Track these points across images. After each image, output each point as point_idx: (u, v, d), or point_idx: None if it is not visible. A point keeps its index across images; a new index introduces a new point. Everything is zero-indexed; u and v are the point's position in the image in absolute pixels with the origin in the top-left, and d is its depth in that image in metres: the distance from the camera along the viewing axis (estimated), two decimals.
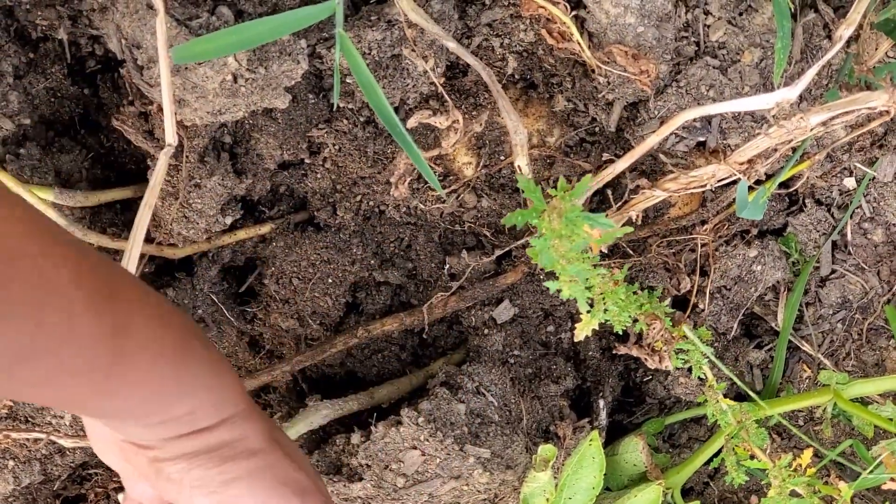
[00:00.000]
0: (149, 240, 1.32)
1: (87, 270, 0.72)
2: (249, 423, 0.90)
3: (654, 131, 1.21)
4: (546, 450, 1.29)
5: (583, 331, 1.19)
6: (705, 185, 1.28)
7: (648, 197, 1.29)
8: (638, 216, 1.32)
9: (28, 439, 1.34)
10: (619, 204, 1.34)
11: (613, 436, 1.51)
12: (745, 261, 1.45)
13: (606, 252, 1.44)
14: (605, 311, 1.17)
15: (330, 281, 1.42)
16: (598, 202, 1.41)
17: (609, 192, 1.36)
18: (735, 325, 1.49)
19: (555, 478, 1.32)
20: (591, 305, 1.15)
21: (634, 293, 1.22)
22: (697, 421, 1.57)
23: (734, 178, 1.26)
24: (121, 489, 1.47)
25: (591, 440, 1.31)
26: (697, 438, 1.57)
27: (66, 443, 1.34)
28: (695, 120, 1.29)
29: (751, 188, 1.29)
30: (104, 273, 0.75)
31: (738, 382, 1.34)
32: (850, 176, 1.45)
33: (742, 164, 1.26)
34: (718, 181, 1.27)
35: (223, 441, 0.88)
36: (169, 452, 0.87)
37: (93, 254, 0.76)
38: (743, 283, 1.47)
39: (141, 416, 0.83)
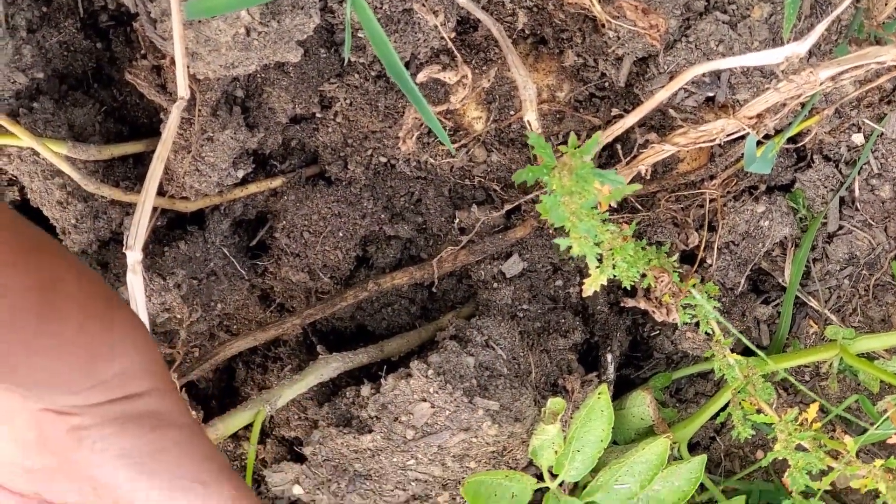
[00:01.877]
0: (161, 193, 1.35)
1: (8, 225, 0.72)
2: (175, 395, 0.87)
3: (663, 86, 1.24)
4: (555, 403, 1.33)
5: (591, 286, 1.22)
6: (714, 140, 1.31)
7: (658, 151, 1.33)
8: (647, 171, 1.35)
9: None
10: (629, 159, 1.37)
11: (621, 390, 1.55)
12: (752, 216, 1.49)
13: (615, 207, 1.47)
14: (614, 266, 1.20)
15: (340, 235, 1.46)
16: (608, 157, 1.45)
17: (618, 146, 1.40)
18: (742, 281, 1.52)
19: (563, 431, 1.35)
20: (600, 261, 1.18)
21: (643, 248, 1.25)
22: (704, 376, 1.61)
23: (743, 132, 1.29)
24: None
25: (599, 393, 1.35)
26: (704, 393, 1.61)
27: None
28: (704, 75, 1.32)
29: (759, 143, 1.32)
30: (27, 230, 0.75)
31: (743, 339, 1.37)
32: (859, 132, 1.48)
33: (751, 118, 1.29)
34: (727, 136, 1.31)
35: (152, 410, 0.85)
36: (96, 418, 0.82)
37: (9, 211, 0.75)
38: (750, 239, 1.51)
39: (71, 381, 0.79)
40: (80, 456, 0.83)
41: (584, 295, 1.23)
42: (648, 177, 1.38)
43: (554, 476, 1.37)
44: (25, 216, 1.37)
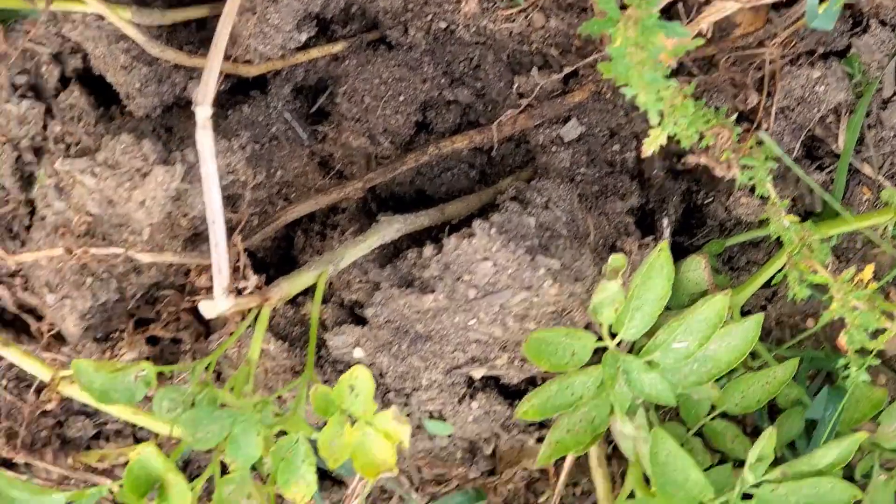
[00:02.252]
0: (224, 57, 1.37)
1: None
2: None
3: None
4: (616, 259, 1.35)
5: (651, 145, 1.24)
6: None
7: (719, 9, 1.33)
8: (708, 29, 1.36)
9: (106, 255, 1.41)
10: (690, 18, 1.38)
11: (674, 258, 1.57)
12: (808, 81, 1.50)
13: (672, 72, 1.48)
14: (675, 124, 1.21)
15: (401, 99, 1.48)
16: (667, 19, 1.46)
17: (679, 6, 1.41)
18: (797, 146, 1.54)
19: (624, 289, 1.37)
20: (661, 118, 1.20)
21: (704, 107, 1.26)
22: (756, 245, 1.63)
23: None
24: (193, 310, 1.54)
25: (660, 250, 1.36)
26: (756, 262, 1.63)
27: (144, 258, 1.41)
28: None
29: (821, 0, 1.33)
30: None
31: (821, 191, 1.39)
32: None
33: None
34: None
35: None
36: None
37: None
38: (805, 104, 1.52)
39: None
40: None
41: (643, 155, 1.25)
42: (708, 35, 1.39)
43: (613, 335, 1.40)
44: (89, 83, 1.40)
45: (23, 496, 1.28)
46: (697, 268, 1.51)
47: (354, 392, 1.24)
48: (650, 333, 1.41)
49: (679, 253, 1.61)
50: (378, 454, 1.26)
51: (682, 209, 1.61)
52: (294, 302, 1.52)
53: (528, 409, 1.41)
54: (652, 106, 1.08)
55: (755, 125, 1.51)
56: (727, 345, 1.42)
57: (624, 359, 1.40)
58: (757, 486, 1.38)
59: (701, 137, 1.29)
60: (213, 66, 1.22)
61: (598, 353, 1.41)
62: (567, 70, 1.47)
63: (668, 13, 1.45)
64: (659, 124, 1.20)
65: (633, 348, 1.44)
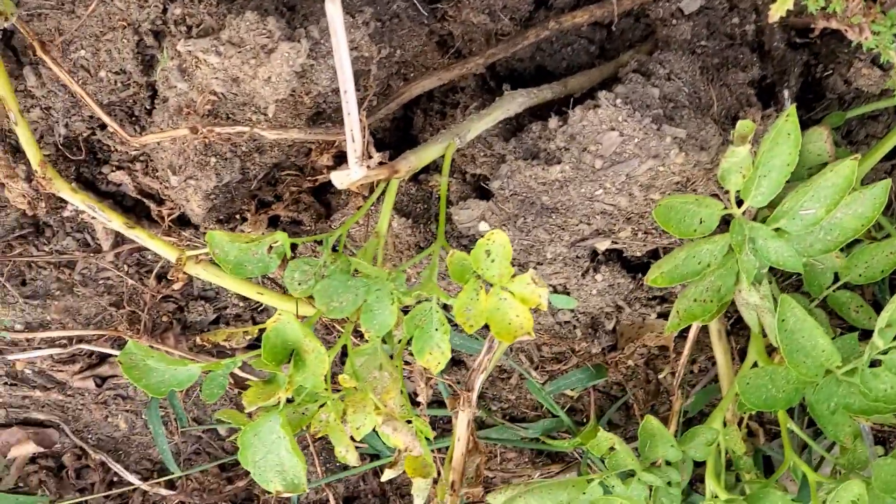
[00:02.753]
0: None
1: None
2: None
3: None
4: (744, 125, 1.34)
5: (778, 10, 1.24)
6: None
7: None
8: None
9: (231, 133, 1.42)
10: None
11: None
12: None
13: None
14: None
15: None
16: None
17: None
18: None
19: (751, 155, 1.37)
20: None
21: None
22: (875, 118, 1.62)
23: None
24: (313, 191, 1.56)
25: (787, 115, 1.35)
26: (875, 135, 1.63)
27: (269, 135, 1.42)
28: None
29: None
30: None
31: None
32: None
33: None
34: None
35: None
36: None
37: None
38: None
39: None
40: None
41: (770, 20, 1.24)
42: None
43: (740, 203, 1.40)
44: None
45: (160, 367, 1.31)
46: (819, 139, 1.51)
47: (490, 257, 1.25)
48: (775, 203, 1.41)
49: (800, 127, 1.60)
50: (515, 318, 1.27)
51: (800, 83, 1.60)
52: (416, 179, 1.54)
53: (657, 276, 1.42)
54: None
55: None
56: (854, 212, 1.41)
57: (751, 226, 1.40)
58: (885, 352, 1.38)
59: (827, 2, 1.28)
60: None
61: (725, 222, 1.42)
62: None
63: None
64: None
65: (759, 217, 1.44)
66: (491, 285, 1.26)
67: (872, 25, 1.30)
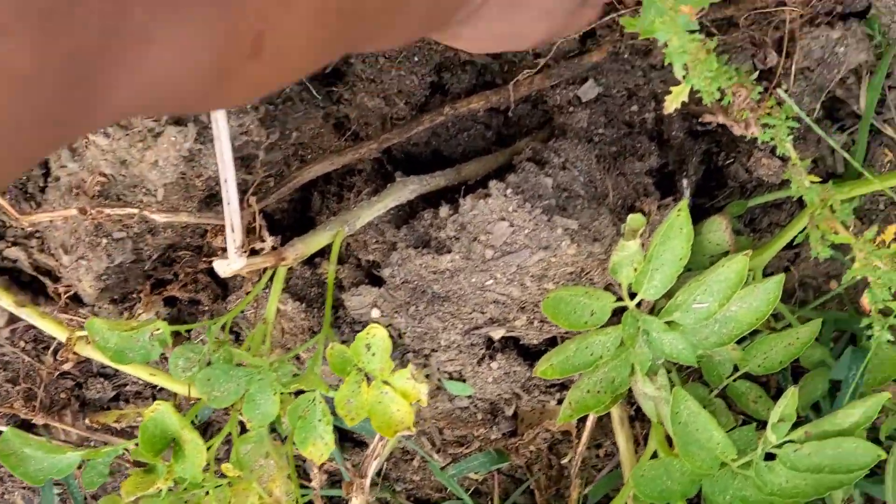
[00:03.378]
0: None
1: None
2: None
3: None
4: (634, 219, 1.34)
5: (673, 101, 1.24)
6: None
7: None
8: None
9: (121, 215, 1.42)
10: None
11: (695, 220, 1.57)
12: (828, 42, 1.50)
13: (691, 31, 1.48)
14: (698, 79, 1.21)
15: (416, 59, 1.48)
16: None
17: None
18: (818, 107, 1.54)
19: (643, 248, 1.37)
20: (686, 70, 1.19)
21: (726, 64, 1.26)
22: (778, 206, 1.63)
23: None
24: (210, 271, 1.56)
25: (679, 210, 1.36)
26: (778, 223, 1.63)
27: (159, 217, 1.42)
28: None
29: None
30: None
31: (843, 152, 1.39)
32: None
33: None
34: None
35: None
36: None
37: None
38: (826, 65, 1.51)
39: None
40: None
41: (665, 111, 1.25)
42: None
43: (632, 295, 1.40)
44: None
45: (37, 455, 1.30)
46: (718, 229, 1.51)
47: (371, 350, 1.26)
48: (670, 294, 1.41)
49: (700, 215, 1.60)
50: (395, 413, 1.27)
51: (702, 171, 1.61)
52: (311, 263, 1.53)
53: (546, 367, 1.42)
54: (678, 57, 1.09)
55: (774, 85, 1.50)
56: (748, 305, 1.41)
57: (644, 319, 1.40)
58: (780, 446, 1.38)
59: (722, 95, 1.29)
60: None
61: (618, 313, 1.42)
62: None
63: None
64: (683, 77, 1.20)
65: (654, 309, 1.44)
66: (373, 378, 1.26)
67: (764, 119, 1.31)
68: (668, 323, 1.41)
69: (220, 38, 0.66)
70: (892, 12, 1.51)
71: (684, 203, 1.37)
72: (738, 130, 1.37)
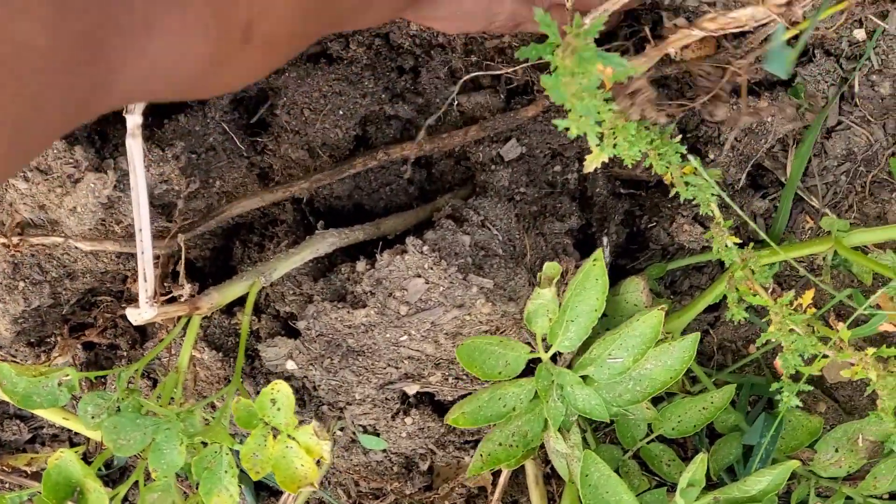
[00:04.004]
0: None
1: None
2: None
3: None
4: (550, 267, 1.35)
5: (592, 163, 1.26)
6: (744, 26, 1.33)
7: (685, 35, 1.35)
8: (677, 53, 1.38)
9: (46, 244, 1.41)
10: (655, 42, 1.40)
11: (616, 280, 1.59)
12: (755, 111, 1.52)
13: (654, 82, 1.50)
14: (615, 146, 1.22)
15: (341, 113, 1.49)
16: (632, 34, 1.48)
17: (646, 29, 1.42)
18: (743, 177, 1.56)
19: (558, 298, 1.38)
20: (601, 139, 1.21)
21: (646, 128, 1.27)
22: (700, 269, 1.64)
23: (770, 19, 1.31)
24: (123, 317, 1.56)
25: (594, 260, 1.37)
26: (699, 286, 1.65)
27: (84, 246, 1.41)
28: None
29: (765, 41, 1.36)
30: None
31: (748, 219, 1.40)
32: (861, 27, 1.50)
33: (780, 6, 1.30)
34: (757, 23, 1.33)
35: None
36: None
37: None
38: (753, 135, 1.53)
39: None
40: None
41: (584, 171, 1.26)
42: (678, 59, 1.41)
43: (547, 347, 1.41)
44: None
45: None
46: (636, 289, 1.53)
47: (276, 405, 1.26)
48: (587, 344, 1.42)
49: (621, 275, 1.62)
50: (300, 468, 1.28)
51: (624, 233, 1.62)
52: (230, 312, 1.53)
53: (458, 416, 1.42)
54: (589, 131, 1.09)
55: (702, 154, 1.53)
56: (663, 364, 1.43)
57: (558, 372, 1.41)
58: None
59: (645, 157, 1.30)
60: None
61: (533, 364, 1.43)
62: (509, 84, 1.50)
63: (634, 29, 1.47)
64: (598, 145, 1.21)
65: (569, 363, 1.45)
66: (279, 432, 1.27)
67: (687, 178, 1.32)
68: (583, 377, 1.42)
69: (213, 28, 0.74)
70: (817, 81, 1.53)
71: (599, 252, 1.38)
72: (668, 179, 1.39)
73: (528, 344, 1.43)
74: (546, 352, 1.41)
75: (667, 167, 1.32)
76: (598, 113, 1.08)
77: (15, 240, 1.40)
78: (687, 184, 1.34)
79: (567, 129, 1.06)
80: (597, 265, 1.38)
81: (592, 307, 1.38)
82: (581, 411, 1.43)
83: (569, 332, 1.39)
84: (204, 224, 1.46)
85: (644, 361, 1.42)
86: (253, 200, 1.49)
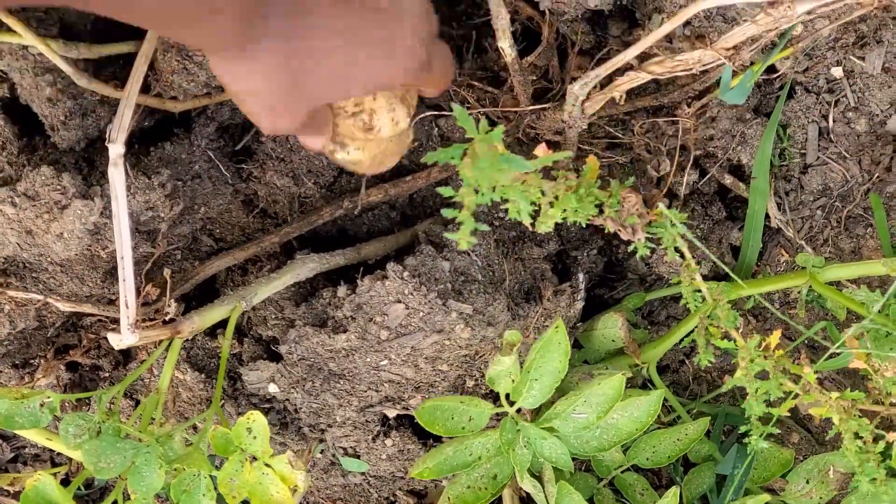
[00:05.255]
0: (149, 93, 1.41)
1: None
2: None
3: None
4: (511, 335, 1.38)
5: (543, 225, 1.26)
6: (691, 69, 1.36)
7: (633, 78, 1.38)
8: (621, 97, 1.41)
9: (25, 300, 1.44)
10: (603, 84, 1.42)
11: (594, 310, 1.61)
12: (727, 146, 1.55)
13: (588, 131, 1.52)
14: (563, 212, 1.21)
15: None
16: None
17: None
18: (721, 207, 1.59)
19: (519, 361, 1.41)
20: (535, 217, 1.18)
21: (595, 189, 1.25)
22: (677, 299, 1.67)
23: (718, 63, 1.35)
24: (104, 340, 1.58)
25: (556, 327, 1.40)
26: (675, 316, 1.67)
27: (63, 307, 1.45)
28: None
29: (735, 73, 1.38)
30: None
31: (716, 260, 1.43)
32: (838, 66, 1.53)
33: (728, 49, 1.34)
34: (703, 66, 1.36)
35: None
36: None
37: None
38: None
39: None
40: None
41: (538, 231, 1.28)
42: (622, 103, 1.44)
43: (511, 402, 1.44)
44: (14, 113, 1.43)
45: None
46: (614, 325, 1.55)
47: (252, 434, 1.29)
48: (550, 403, 1.46)
49: (599, 306, 1.65)
50: (275, 494, 1.31)
51: (602, 263, 1.65)
52: (213, 334, 1.55)
53: (423, 470, 1.45)
54: (522, 213, 1.07)
55: (666, 187, 1.55)
56: (629, 415, 1.46)
57: (523, 425, 1.44)
58: None
59: (601, 210, 1.30)
60: (127, 104, 1.27)
61: (497, 419, 1.46)
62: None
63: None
64: (533, 223, 1.18)
65: (533, 414, 1.48)
66: (255, 459, 1.29)
67: (648, 228, 1.34)
68: (548, 429, 1.44)
69: None
70: (798, 116, 1.56)
71: (560, 322, 1.41)
72: (625, 236, 1.41)
73: (490, 400, 1.46)
74: (511, 406, 1.44)
75: (622, 227, 1.33)
76: (527, 196, 1.08)
77: None
78: (653, 231, 1.34)
79: None
80: (559, 331, 1.41)
81: (556, 369, 1.42)
82: (547, 460, 1.46)
83: (533, 390, 1.43)
84: (182, 286, 1.50)
85: (610, 413, 1.44)
86: (226, 259, 1.54)
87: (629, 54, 1.31)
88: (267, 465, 1.31)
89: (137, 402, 1.62)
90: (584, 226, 1.59)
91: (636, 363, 1.57)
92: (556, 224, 1.56)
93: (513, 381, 1.41)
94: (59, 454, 1.71)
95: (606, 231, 1.56)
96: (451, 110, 1.52)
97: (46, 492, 1.30)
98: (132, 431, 1.32)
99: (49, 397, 1.32)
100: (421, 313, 1.38)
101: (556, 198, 1.18)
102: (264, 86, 0.99)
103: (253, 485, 1.30)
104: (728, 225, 1.62)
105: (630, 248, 1.62)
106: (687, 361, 1.68)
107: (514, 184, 1.05)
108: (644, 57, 1.38)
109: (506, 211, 1.51)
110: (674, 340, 1.56)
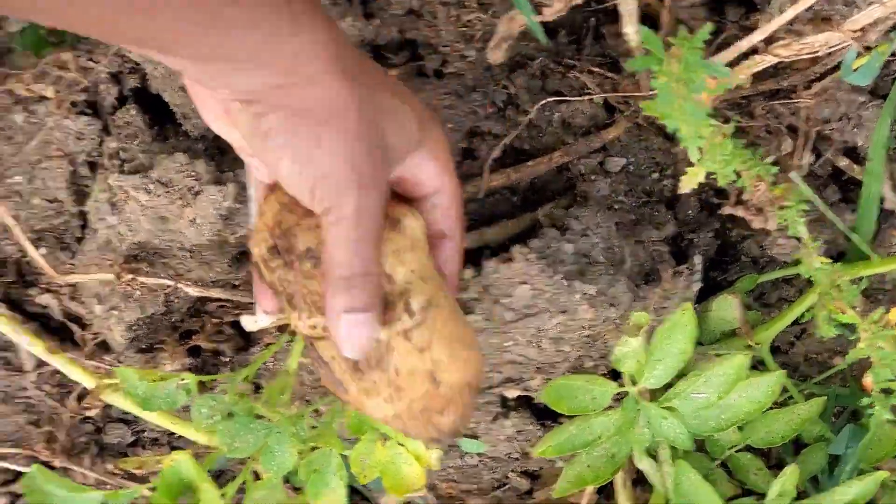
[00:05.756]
0: None
1: None
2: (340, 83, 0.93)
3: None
4: (639, 317, 1.39)
5: (689, 183, 1.30)
6: (817, 52, 1.37)
7: (759, 62, 1.39)
8: (748, 79, 1.42)
9: (156, 284, 1.48)
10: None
11: (707, 293, 1.62)
12: (844, 126, 1.55)
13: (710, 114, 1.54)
14: (713, 162, 1.26)
15: (450, 126, 1.53)
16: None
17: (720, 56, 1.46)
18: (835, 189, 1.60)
19: (646, 343, 1.42)
20: (700, 153, 1.24)
21: (741, 148, 1.30)
22: (789, 282, 1.67)
23: (843, 45, 1.36)
24: (235, 323, 1.60)
25: (683, 310, 1.41)
26: (787, 298, 1.68)
27: (192, 291, 1.48)
28: None
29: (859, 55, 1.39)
30: None
31: (846, 230, 1.43)
32: None
33: (854, 31, 1.35)
34: (830, 48, 1.37)
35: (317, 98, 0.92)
36: (268, 106, 0.91)
37: None
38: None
39: (246, 60, 0.87)
40: (256, 143, 0.96)
41: (680, 192, 1.30)
42: (748, 86, 1.45)
43: (634, 383, 1.46)
44: (145, 102, 1.46)
45: (60, 492, 1.35)
46: (729, 307, 1.56)
47: None
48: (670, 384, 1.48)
49: (712, 288, 1.66)
50: (407, 474, 1.33)
51: (716, 245, 1.66)
52: None
53: (546, 448, 1.47)
54: (692, 142, 1.14)
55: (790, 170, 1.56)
56: (749, 396, 1.47)
57: (644, 404, 1.46)
58: None
59: (738, 176, 1.33)
60: None
61: (618, 399, 1.48)
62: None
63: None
64: (698, 160, 1.24)
65: (654, 394, 1.49)
66: (388, 438, 1.31)
67: (779, 212, 1.36)
68: (668, 408, 1.46)
69: None
70: None
71: (689, 304, 1.42)
72: (757, 224, 1.43)
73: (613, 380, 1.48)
74: (633, 386, 1.46)
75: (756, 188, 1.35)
76: (698, 127, 1.12)
77: (127, 276, 1.46)
78: (782, 207, 1.36)
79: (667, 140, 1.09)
80: (686, 314, 1.41)
81: (680, 350, 1.43)
82: (666, 439, 1.47)
83: (656, 370, 1.44)
84: None
85: (731, 394, 1.45)
86: None
87: (755, 37, 1.33)
88: (400, 444, 1.33)
89: (257, 387, 1.65)
90: (706, 203, 1.62)
91: (749, 344, 1.57)
92: (672, 207, 1.60)
93: (638, 361, 1.42)
94: (177, 438, 1.73)
95: (723, 214, 1.60)
96: (572, 96, 1.55)
97: (183, 470, 1.33)
98: (266, 412, 1.35)
99: (184, 379, 1.35)
100: (546, 294, 1.40)
101: (711, 145, 1.21)
102: None
103: (385, 464, 1.33)
104: (841, 207, 1.62)
105: (743, 233, 1.65)
106: (798, 343, 1.69)
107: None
108: (769, 41, 1.39)
109: (626, 194, 1.55)
110: (786, 322, 1.57)
